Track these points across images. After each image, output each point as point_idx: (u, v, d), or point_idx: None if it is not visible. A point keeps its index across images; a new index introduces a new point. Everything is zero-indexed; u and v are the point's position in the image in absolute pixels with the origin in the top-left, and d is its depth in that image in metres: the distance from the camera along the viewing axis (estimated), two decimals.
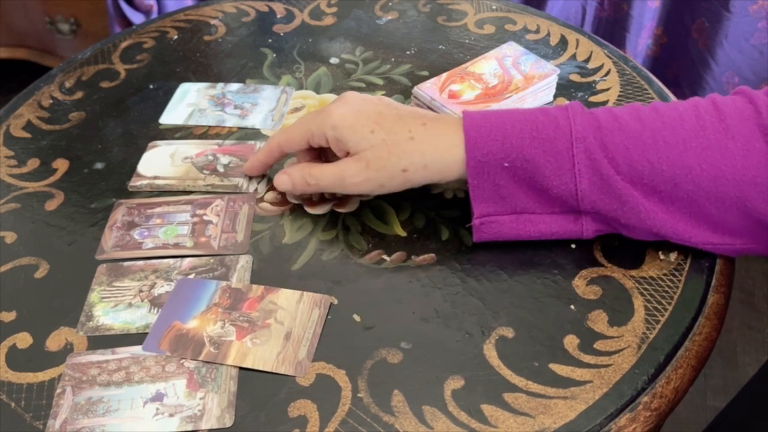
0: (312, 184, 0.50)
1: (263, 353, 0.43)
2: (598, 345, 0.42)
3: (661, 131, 0.44)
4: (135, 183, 0.56)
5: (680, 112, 0.44)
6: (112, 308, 0.46)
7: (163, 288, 0.47)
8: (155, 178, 0.56)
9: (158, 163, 0.57)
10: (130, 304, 0.46)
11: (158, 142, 0.59)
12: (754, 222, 0.43)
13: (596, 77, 0.63)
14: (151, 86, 0.66)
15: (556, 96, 0.61)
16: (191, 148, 0.59)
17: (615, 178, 0.44)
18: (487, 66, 0.61)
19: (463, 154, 0.46)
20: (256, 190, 0.54)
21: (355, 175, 0.48)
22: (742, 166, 0.42)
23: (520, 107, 0.59)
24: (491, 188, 0.46)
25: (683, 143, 0.43)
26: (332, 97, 0.63)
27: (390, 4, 0.75)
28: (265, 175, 0.56)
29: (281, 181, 0.52)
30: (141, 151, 0.58)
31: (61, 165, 0.58)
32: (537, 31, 0.70)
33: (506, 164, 0.45)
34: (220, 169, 0.56)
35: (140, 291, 0.47)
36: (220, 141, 0.59)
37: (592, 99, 0.61)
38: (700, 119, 0.44)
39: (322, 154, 0.53)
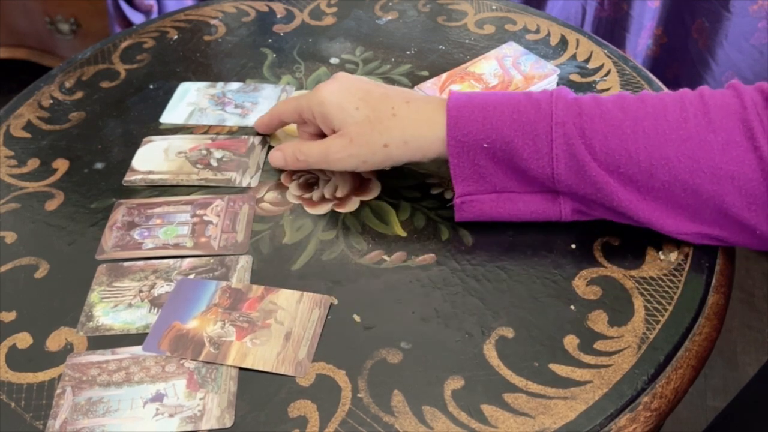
0: (301, 159, 0.52)
1: (263, 353, 0.43)
2: (598, 345, 0.42)
3: (642, 121, 0.44)
4: (129, 178, 0.56)
5: (665, 102, 0.44)
6: (112, 308, 0.46)
7: (163, 288, 0.47)
8: (149, 172, 0.56)
9: (152, 158, 0.57)
10: (130, 305, 0.46)
11: (153, 138, 0.60)
12: (730, 217, 0.43)
13: (596, 77, 0.63)
14: (151, 86, 0.66)
15: None
16: (185, 142, 0.59)
17: (591, 165, 0.44)
18: (487, 66, 0.61)
19: (444, 133, 0.47)
20: (249, 184, 0.55)
21: (339, 151, 0.49)
22: (720, 160, 0.42)
23: None
24: (471, 167, 0.47)
25: (663, 134, 0.43)
26: None
27: (390, 4, 0.75)
28: (259, 170, 0.56)
29: (275, 157, 0.54)
30: None
31: (61, 165, 0.58)
32: (537, 31, 0.70)
33: (486, 145, 0.46)
34: (214, 164, 0.56)
35: (140, 291, 0.47)
36: (213, 136, 0.60)
37: None
38: (684, 111, 0.44)
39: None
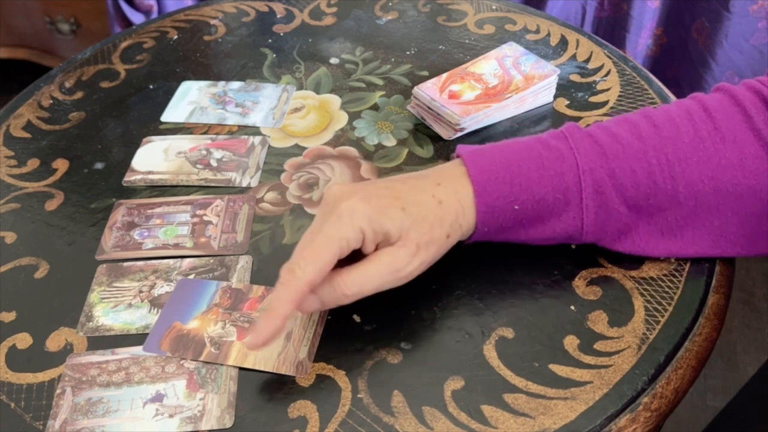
0: (352, 294, 0.41)
1: (264, 353, 0.43)
2: (598, 345, 0.42)
3: (663, 148, 0.43)
4: (129, 178, 0.56)
5: (677, 124, 0.44)
6: (112, 309, 0.46)
7: (163, 288, 0.47)
8: (149, 173, 0.56)
9: (152, 158, 0.57)
10: (130, 305, 0.46)
11: (153, 138, 0.60)
12: (752, 229, 0.43)
13: (596, 77, 0.63)
14: (151, 86, 0.66)
15: (556, 96, 0.61)
16: (185, 143, 0.59)
17: (619, 210, 0.43)
18: (488, 66, 0.61)
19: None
20: (249, 184, 0.55)
21: (409, 263, 0.42)
22: (741, 176, 0.42)
23: (519, 107, 0.59)
24: (496, 227, 0.44)
25: (685, 159, 0.43)
26: (332, 97, 0.63)
27: (390, 4, 0.75)
28: (259, 170, 0.56)
29: (308, 303, 0.41)
30: None
31: (61, 165, 0.58)
32: (537, 31, 0.70)
33: (516, 207, 0.43)
34: (214, 164, 0.56)
35: (140, 291, 0.47)
36: (213, 136, 0.60)
37: (593, 99, 0.61)
38: (697, 129, 0.43)
39: None
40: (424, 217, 0.42)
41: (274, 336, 0.40)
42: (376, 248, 0.42)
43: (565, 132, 0.45)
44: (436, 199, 0.43)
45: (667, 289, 0.45)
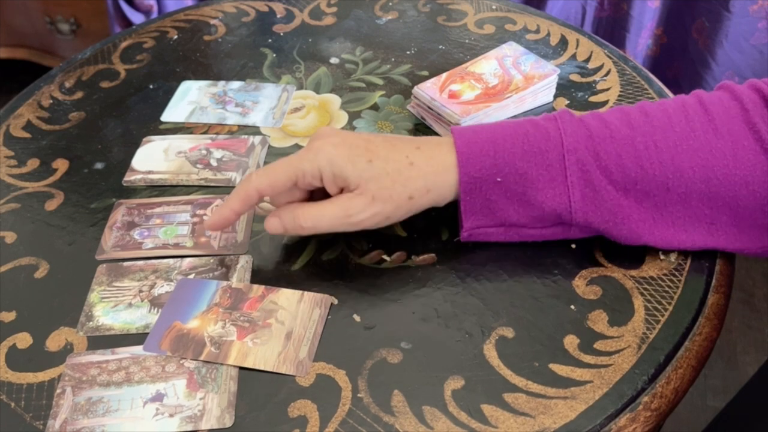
0: (307, 226, 0.46)
1: (264, 353, 0.43)
2: (598, 345, 0.42)
3: (652, 135, 0.44)
4: (129, 178, 0.56)
5: (669, 114, 0.44)
6: (112, 308, 0.46)
7: (163, 288, 0.47)
8: (149, 172, 0.56)
9: (152, 158, 0.57)
10: (130, 304, 0.46)
11: (153, 137, 0.60)
12: (745, 222, 0.43)
13: (596, 77, 0.63)
14: (151, 86, 0.66)
15: (556, 96, 0.61)
16: (185, 142, 0.59)
17: (607, 189, 0.44)
18: (487, 66, 0.61)
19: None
20: None
21: (361, 211, 0.45)
22: (733, 167, 0.42)
23: (519, 107, 0.59)
24: (483, 203, 0.45)
25: (674, 147, 0.43)
26: (332, 97, 0.63)
27: (390, 4, 0.75)
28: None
29: (271, 225, 0.47)
30: None
31: (61, 165, 0.58)
32: (537, 31, 0.70)
33: (499, 179, 0.44)
34: (214, 164, 0.57)
35: (140, 291, 0.47)
36: (213, 135, 0.60)
37: (593, 99, 0.61)
38: (690, 121, 0.44)
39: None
40: (388, 173, 0.44)
41: (225, 223, 0.47)
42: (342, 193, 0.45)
43: (556, 115, 0.46)
44: (408, 160, 0.45)
45: (667, 289, 0.45)
